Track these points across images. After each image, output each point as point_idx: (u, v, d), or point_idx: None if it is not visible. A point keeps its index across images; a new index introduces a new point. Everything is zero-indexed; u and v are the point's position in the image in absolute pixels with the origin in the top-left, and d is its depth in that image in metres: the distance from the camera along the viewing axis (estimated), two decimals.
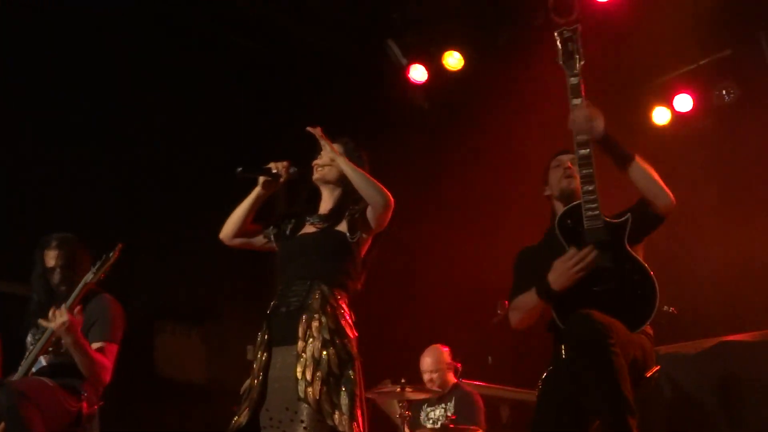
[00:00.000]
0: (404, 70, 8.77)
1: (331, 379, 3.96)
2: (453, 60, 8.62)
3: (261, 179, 4.46)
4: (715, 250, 7.62)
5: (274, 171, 4.44)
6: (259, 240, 4.54)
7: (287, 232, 4.43)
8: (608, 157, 4.18)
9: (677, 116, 8.34)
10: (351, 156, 4.40)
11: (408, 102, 9.01)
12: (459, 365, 7.26)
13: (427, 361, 7.21)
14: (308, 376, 3.93)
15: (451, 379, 7.19)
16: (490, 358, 7.69)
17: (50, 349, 5.36)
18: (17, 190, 7.32)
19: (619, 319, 3.98)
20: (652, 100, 8.44)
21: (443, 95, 8.90)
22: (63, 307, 5.16)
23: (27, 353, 5.42)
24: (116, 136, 7.94)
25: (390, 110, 8.82)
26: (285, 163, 4.45)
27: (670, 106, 8.34)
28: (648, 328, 4.21)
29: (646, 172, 4.16)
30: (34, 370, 5.38)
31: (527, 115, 8.18)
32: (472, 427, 6.72)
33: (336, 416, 3.91)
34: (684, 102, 8.28)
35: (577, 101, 4.18)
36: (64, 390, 5.25)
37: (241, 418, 4.10)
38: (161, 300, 8.24)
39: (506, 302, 6.56)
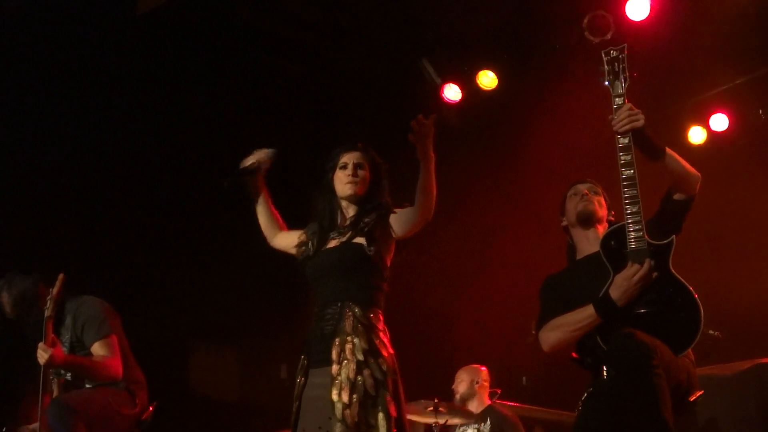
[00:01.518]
0: (438, 89, 8.78)
1: (368, 401, 3.97)
2: (487, 79, 8.62)
3: (247, 180, 4.57)
4: (753, 271, 7.56)
5: (254, 166, 4.58)
6: (296, 250, 4.54)
7: (311, 251, 4.44)
8: (642, 151, 4.15)
9: (713, 135, 8.30)
10: (374, 165, 4.44)
11: (442, 121, 9.00)
12: (498, 390, 7.22)
13: (462, 377, 7.19)
14: (345, 399, 3.94)
15: (486, 399, 7.16)
16: (524, 378, 7.66)
17: (55, 378, 5.49)
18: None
19: (664, 342, 3.95)
20: (687, 120, 8.39)
21: (477, 114, 8.89)
22: (40, 345, 5.24)
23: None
24: (153, 156, 8.01)
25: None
26: (261, 153, 4.55)
27: (706, 125, 8.30)
28: (690, 353, 4.18)
29: (677, 159, 4.18)
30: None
31: (561, 135, 8.16)
32: None
33: None
34: (720, 121, 8.24)
35: (620, 101, 4.17)
36: (118, 397, 5.33)
37: None
38: (195, 319, 8.28)
39: None
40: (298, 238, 4.53)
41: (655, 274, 4.05)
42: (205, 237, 8.47)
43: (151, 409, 5.59)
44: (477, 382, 7.15)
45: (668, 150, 4.15)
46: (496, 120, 8.84)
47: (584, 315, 4.18)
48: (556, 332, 4.32)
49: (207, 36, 8.13)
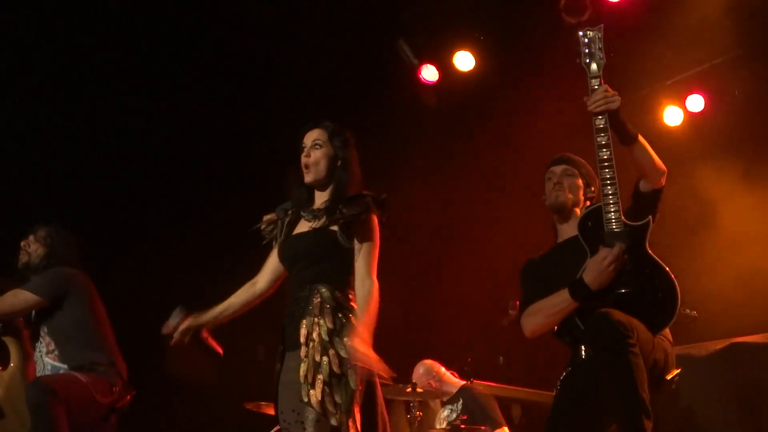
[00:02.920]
0: (415, 70, 8.77)
1: (333, 380, 3.99)
2: (464, 60, 8.61)
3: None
4: (726, 251, 7.60)
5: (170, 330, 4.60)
6: (280, 267, 4.52)
7: (280, 232, 4.41)
8: (615, 134, 4.17)
9: (690, 116, 8.31)
10: (335, 138, 4.39)
11: (419, 102, 9.01)
12: (470, 359, 7.25)
13: (418, 374, 7.24)
14: (310, 379, 3.96)
15: (456, 382, 7.20)
16: (501, 358, 7.68)
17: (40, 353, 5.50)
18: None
19: (641, 322, 3.97)
20: (663, 101, 8.40)
21: (454, 95, 8.89)
22: None
23: None
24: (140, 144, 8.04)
25: (401, 110, 8.81)
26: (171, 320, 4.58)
27: (683, 106, 8.32)
28: (668, 332, 4.21)
29: (647, 148, 4.19)
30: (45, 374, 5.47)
31: (538, 116, 8.17)
32: (483, 427, 6.73)
33: (339, 417, 3.95)
34: (696, 102, 8.25)
35: (596, 82, 4.17)
36: (97, 384, 5.31)
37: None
38: (169, 300, 8.25)
39: (517, 302, 6.56)
40: (267, 219, 4.50)
41: (625, 256, 4.06)
42: (177, 216, 8.45)
43: (128, 398, 5.58)
44: (431, 375, 7.20)
45: (640, 138, 4.17)
46: (473, 101, 8.84)
47: (560, 299, 4.20)
48: (535, 317, 4.35)
49: (183, 18, 8.10)
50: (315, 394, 3.94)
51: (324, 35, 8.41)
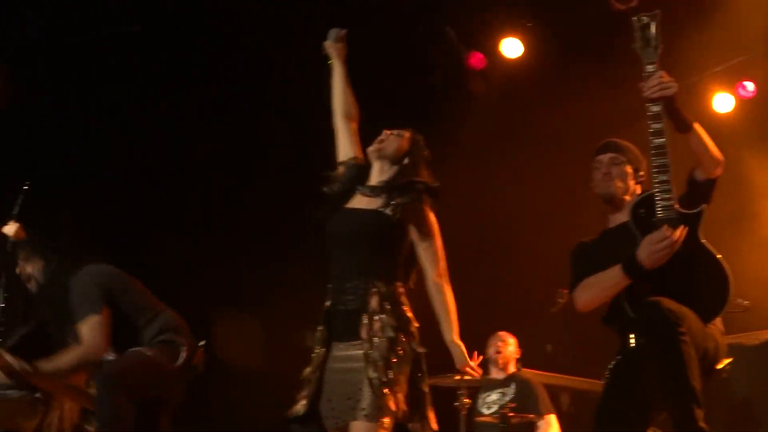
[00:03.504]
0: (463, 57, 8.74)
1: (401, 377, 3.98)
2: (512, 46, 8.57)
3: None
4: None
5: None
6: (349, 142, 4.55)
7: (336, 202, 4.41)
8: (671, 121, 4.13)
9: (740, 103, 8.22)
10: (414, 152, 4.39)
11: (466, 89, 8.98)
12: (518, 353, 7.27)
13: (498, 337, 7.26)
14: (382, 376, 3.96)
15: (512, 367, 7.20)
16: (549, 346, 7.67)
17: None
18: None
19: (692, 311, 3.95)
20: (714, 88, 8.31)
21: (502, 82, 8.85)
22: None
23: None
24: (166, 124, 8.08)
25: (448, 97, 8.79)
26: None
27: (734, 92, 8.22)
28: (719, 322, 4.17)
29: (703, 137, 4.15)
30: None
31: (586, 102, 8.11)
32: (531, 415, 6.73)
33: (414, 410, 3.99)
34: (746, 89, 8.16)
35: (651, 68, 4.13)
36: (163, 352, 5.30)
37: (298, 407, 4.14)
38: (219, 287, 8.31)
39: (565, 291, 6.51)
40: (344, 162, 4.51)
41: (682, 240, 4.02)
42: (229, 204, 8.50)
43: (200, 352, 5.53)
44: (509, 345, 7.23)
45: (696, 126, 4.13)
46: (521, 87, 8.80)
47: (612, 274, 4.17)
48: (588, 291, 4.32)
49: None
50: (389, 390, 3.94)
51: (371, 22, 8.41)
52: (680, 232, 4.01)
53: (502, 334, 7.44)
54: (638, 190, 4.51)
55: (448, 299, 4.23)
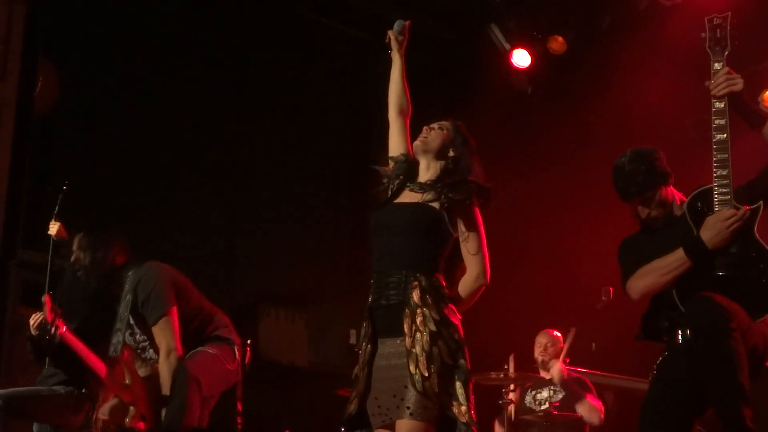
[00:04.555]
0: (507, 54, 8.73)
1: (445, 371, 3.97)
2: (556, 44, 8.55)
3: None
4: None
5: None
6: (400, 137, 4.55)
7: (387, 196, 4.42)
8: (741, 117, 4.13)
9: None
10: (458, 133, 4.38)
11: (511, 87, 8.97)
12: (567, 359, 7.21)
13: (545, 336, 7.25)
14: (423, 371, 3.93)
15: (559, 364, 7.17)
16: (594, 344, 7.63)
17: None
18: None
19: (742, 306, 3.92)
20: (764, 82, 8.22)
21: (546, 80, 8.83)
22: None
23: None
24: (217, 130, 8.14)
25: (493, 95, 8.78)
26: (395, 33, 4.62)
27: None
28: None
29: None
30: None
31: (631, 100, 8.07)
32: (578, 415, 6.71)
33: (455, 407, 3.94)
34: None
35: (718, 66, 4.13)
36: (225, 353, 5.41)
37: (352, 407, 4.15)
38: (265, 284, 8.36)
39: (611, 288, 6.48)
40: (394, 158, 4.51)
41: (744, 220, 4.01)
42: (274, 203, 8.54)
43: (248, 350, 5.63)
44: (556, 343, 7.19)
45: None
46: (566, 85, 8.77)
47: (674, 258, 4.14)
48: (646, 278, 4.28)
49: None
50: (431, 386, 3.92)
51: (415, 20, 8.42)
52: (744, 212, 4.00)
53: (537, 337, 7.38)
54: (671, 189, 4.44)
55: (475, 294, 4.22)
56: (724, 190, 4.07)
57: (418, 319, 4.02)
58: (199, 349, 5.40)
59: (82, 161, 7.39)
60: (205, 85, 8.19)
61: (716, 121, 4.10)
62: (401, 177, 4.43)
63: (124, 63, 7.80)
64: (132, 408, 5.25)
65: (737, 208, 4.04)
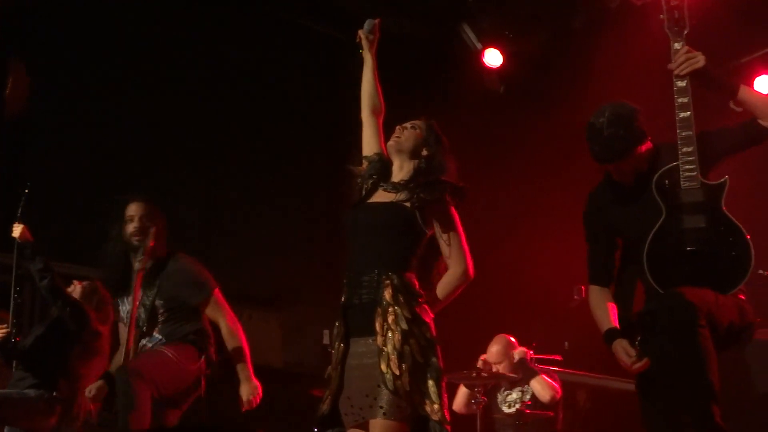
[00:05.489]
0: (479, 54, 8.74)
1: (417, 369, 3.97)
2: (527, 43, 8.57)
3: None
4: None
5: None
6: (374, 137, 4.56)
7: (360, 197, 4.42)
8: (713, 92, 4.19)
9: None
10: (431, 132, 4.38)
11: (482, 86, 8.98)
12: (530, 352, 7.20)
13: (493, 351, 7.16)
14: (395, 370, 3.93)
15: (528, 364, 7.17)
16: (566, 343, 7.65)
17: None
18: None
19: (712, 281, 3.96)
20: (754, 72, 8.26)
21: (518, 79, 8.85)
22: None
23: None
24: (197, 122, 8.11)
25: (464, 94, 8.79)
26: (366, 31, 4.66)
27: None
28: (741, 296, 4.13)
29: (754, 92, 4.17)
30: (150, 345, 5.44)
31: (604, 99, 8.07)
32: (551, 413, 6.73)
33: (428, 406, 3.94)
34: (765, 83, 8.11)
35: (678, 45, 4.14)
36: (185, 352, 5.34)
37: (325, 406, 4.14)
38: (239, 284, 8.34)
39: (582, 287, 6.49)
40: (367, 157, 4.51)
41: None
42: (247, 202, 8.53)
43: (215, 362, 5.60)
44: (508, 351, 7.13)
45: (742, 86, 4.13)
46: (537, 84, 8.79)
47: (600, 325, 4.25)
48: (595, 313, 4.34)
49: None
50: (402, 384, 3.92)
51: (386, 19, 8.42)
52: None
53: (489, 345, 7.27)
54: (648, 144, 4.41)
55: (456, 289, 4.25)
56: (690, 167, 4.08)
57: (390, 318, 4.02)
58: (156, 348, 5.35)
59: (54, 162, 7.35)
60: (179, 84, 8.17)
61: (679, 100, 4.12)
62: (375, 176, 4.43)
63: (97, 64, 7.77)
64: None
65: (698, 192, 4.06)
